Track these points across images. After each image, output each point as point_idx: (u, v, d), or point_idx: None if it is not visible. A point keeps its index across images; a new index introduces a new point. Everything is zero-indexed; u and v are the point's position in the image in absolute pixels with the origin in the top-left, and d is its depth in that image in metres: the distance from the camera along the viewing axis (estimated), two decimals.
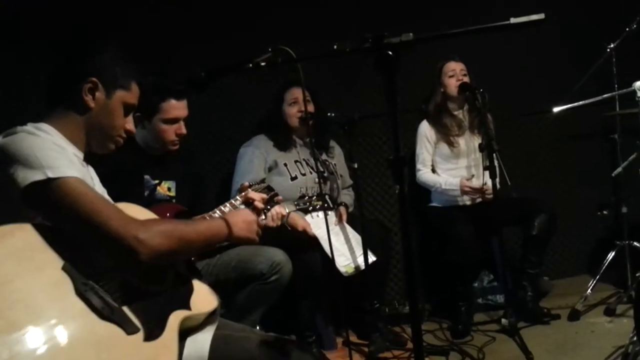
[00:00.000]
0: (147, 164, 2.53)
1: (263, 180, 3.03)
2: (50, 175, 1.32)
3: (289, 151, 3.20)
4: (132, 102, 1.61)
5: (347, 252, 2.98)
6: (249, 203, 1.94)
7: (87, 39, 1.60)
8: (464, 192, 3.32)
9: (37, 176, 1.31)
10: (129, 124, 1.63)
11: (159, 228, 1.39)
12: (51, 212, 1.35)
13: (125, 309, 1.37)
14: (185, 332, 1.49)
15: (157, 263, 1.40)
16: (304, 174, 3.16)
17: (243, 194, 1.98)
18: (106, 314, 1.31)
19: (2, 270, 1.23)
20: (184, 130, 2.49)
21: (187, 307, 1.51)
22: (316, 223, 2.97)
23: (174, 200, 2.58)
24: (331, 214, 3.11)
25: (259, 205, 1.94)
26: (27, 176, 1.31)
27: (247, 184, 2.14)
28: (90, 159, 1.62)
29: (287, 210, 2.47)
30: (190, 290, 1.57)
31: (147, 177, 2.52)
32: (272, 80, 3.23)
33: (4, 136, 1.42)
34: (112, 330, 1.30)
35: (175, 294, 1.53)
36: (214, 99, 3.34)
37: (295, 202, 2.52)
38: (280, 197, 2.18)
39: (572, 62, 3.79)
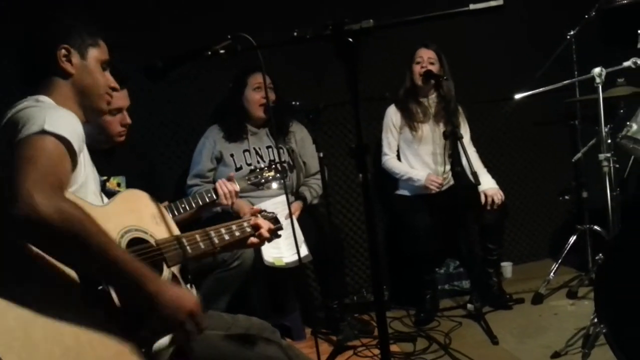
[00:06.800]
0: (93, 159, 2.46)
1: (211, 170, 3.09)
2: (47, 128, 1.30)
3: (239, 141, 3.14)
4: (105, 57, 1.62)
5: (284, 246, 2.88)
6: (256, 229, 1.90)
7: (44, 9, 1.59)
8: (426, 187, 3.31)
9: (34, 128, 1.30)
10: (111, 82, 1.64)
11: (67, 206, 1.22)
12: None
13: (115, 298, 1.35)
14: None
15: (32, 231, 1.20)
16: (249, 164, 3.11)
17: (253, 218, 1.92)
18: (91, 300, 1.30)
19: None
20: (128, 120, 2.39)
21: None
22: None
23: None
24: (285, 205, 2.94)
25: (265, 234, 1.90)
26: (27, 129, 1.30)
27: (258, 208, 2.06)
28: None
29: (239, 187, 2.44)
30: None
31: None
32: (230, 69, 3.17)
33: (16, 107, 1.41)
34: (97, 316, 1.30)
35: None
36: (171, 89, 3.27)
37: (246, 177, 2.48)
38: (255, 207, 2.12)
39: (534, 49, 3.83)
